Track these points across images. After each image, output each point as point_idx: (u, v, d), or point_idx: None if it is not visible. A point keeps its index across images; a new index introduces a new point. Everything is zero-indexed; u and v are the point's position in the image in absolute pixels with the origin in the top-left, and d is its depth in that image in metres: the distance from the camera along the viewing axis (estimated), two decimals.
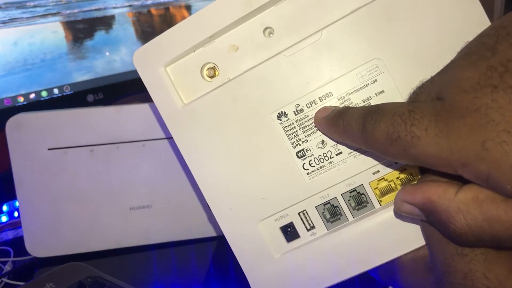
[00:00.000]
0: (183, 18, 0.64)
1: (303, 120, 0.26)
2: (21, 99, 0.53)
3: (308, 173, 0.26)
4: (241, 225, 0.27)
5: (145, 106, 0.45)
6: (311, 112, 0.26)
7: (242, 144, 0.26)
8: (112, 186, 0.45)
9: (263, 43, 0.26)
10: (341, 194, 0.26)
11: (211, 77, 0.27)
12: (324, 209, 0.27)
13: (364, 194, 0.26)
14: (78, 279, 0.35)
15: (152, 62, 0.27)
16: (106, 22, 0.58)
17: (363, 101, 0.25)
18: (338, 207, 0.26)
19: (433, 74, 0.21)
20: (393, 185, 0.26)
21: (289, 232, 0.27)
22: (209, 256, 0.45)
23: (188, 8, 0.64)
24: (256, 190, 0.27)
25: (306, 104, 0.26)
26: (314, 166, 0.26)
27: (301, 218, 0.27)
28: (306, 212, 0.27)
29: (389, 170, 0.26)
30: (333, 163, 0.26)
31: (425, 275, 0.23)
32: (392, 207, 0.25)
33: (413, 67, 0.25)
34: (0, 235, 0.50)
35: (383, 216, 0.25)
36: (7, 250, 0.47)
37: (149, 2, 0.61)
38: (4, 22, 0.51)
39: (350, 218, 0.26)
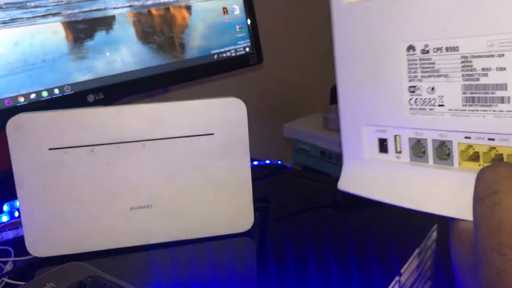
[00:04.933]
0: (183, 18, 0.64)
1: (425, 61, 0.27)
2: (21, 99, 0.53)
3: (410, 108, 0.29)
4: (351, 124, 0.33)
5: (145, 106, 0.45)
6: (435, 58, 0.27)
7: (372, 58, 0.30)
8: (112, 186, 0.45)
9: None
10: (432, 140, 0.29)
11: None
12: (414, 143, 0.29)
13: (450, 149, 0.28)
14: (78, 278, 0.35)
15: None
16: (106, 22, 0.58)
17: (482, 69, 0.25)
18: (425, 147, 0.29)
19: None
20: (479, 155, 0.27)
21: (383, 145, 0.32)
22: (209, 256, 0.45)
23: (189, 8, 0.64)
24: (372, 98, 0.31)
25: (433, 48, 0.27)
26: (418, 105, 0.28)
27: (395, 140, 0.31)
28: (400, 138, 0.30)
29: (480, 142, 0.27)
30: (433, 110, 0.28)
31: (471, 253, 0.24)
32: (468, 173, 0.26)
33: None
34: (0, 235, 0.50)
35: (456, 176, 0.27)
36: (7, 250, 0.47)
37: (149, 3, 0.61)
38: (4, 22, 0.51)
39: (431, 162, 0.29)
